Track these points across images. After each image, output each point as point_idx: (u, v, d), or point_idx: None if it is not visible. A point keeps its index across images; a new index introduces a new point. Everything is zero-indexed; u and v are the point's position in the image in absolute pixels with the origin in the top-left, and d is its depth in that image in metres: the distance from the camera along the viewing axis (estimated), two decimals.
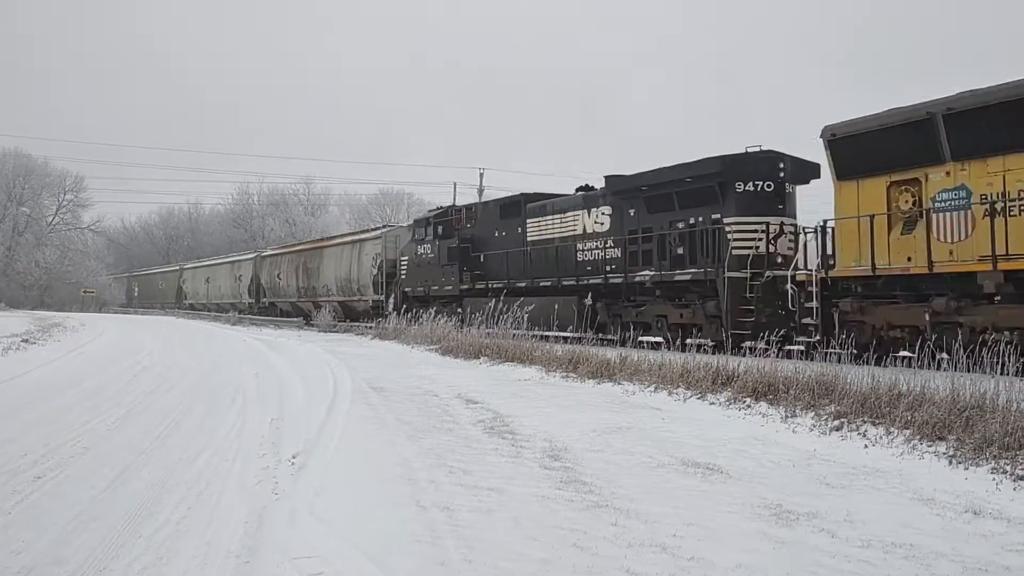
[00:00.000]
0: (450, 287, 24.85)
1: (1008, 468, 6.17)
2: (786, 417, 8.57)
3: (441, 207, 27.89)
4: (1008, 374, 7.85)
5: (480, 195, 51.38)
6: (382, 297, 29.43)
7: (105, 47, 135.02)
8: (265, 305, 42.34)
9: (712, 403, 9.75)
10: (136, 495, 6.02)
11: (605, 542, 4.82)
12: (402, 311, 26.19)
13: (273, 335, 29.43)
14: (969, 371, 8.31)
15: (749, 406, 9.25)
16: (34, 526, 5.29)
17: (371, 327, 28.12)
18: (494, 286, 22.43)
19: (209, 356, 19.06)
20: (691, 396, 10.19)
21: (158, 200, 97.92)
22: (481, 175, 53.86)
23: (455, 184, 58.88)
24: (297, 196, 78.27)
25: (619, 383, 11.71)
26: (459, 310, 23.52)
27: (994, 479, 6.09)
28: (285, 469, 6.80)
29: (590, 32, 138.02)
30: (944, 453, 6.75)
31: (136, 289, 70.06)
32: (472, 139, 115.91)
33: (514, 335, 17.71)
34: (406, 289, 27.83)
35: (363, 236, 33.87)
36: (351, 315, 32.83)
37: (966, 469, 6.39)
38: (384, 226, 33.90)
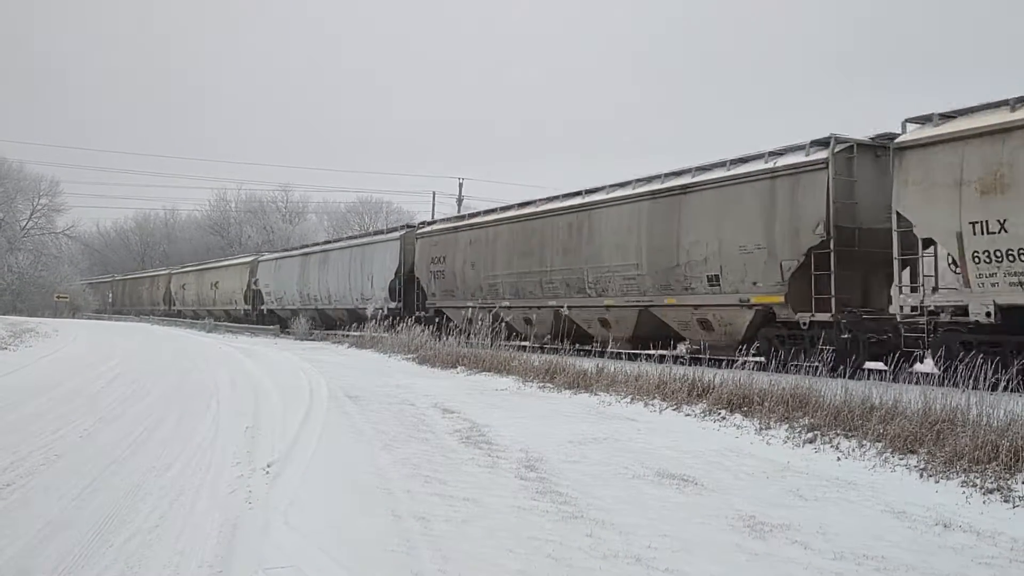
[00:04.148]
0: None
1: (978, 482, 6.26)
2: (760, 429, 8.64)
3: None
4: (980, 389, 7.95)
5: (459, 205, 51.38)
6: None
7: (82, 50, 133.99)
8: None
9: (687, 415, 9.80)
10: (107, 503, 5.95)
11: (580, 553, 4.83)
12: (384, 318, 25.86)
13: (249, 342, 29.20)
14: (943, 384, 8.40)
15: (724, 418, 9.31)
16: (1, 535, 5.20)
17: (347, 335, 27.88)
18: None
19: (184, 363, 18.88)
20: (667, 408, 10.23)
21: (134, 205, 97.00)
22: (460, 185, 53.87)
23: (434, 193, 58.80)
24: (275, 203, 77.86)
25: (595, 394, 11.75)
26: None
27: (964, 492, 6.17)
28: (260, 478, 6.74)
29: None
30: (915, 466, 6.84)
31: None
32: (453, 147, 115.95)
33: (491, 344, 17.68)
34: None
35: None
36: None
37: (937, 482, 6.47)
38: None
